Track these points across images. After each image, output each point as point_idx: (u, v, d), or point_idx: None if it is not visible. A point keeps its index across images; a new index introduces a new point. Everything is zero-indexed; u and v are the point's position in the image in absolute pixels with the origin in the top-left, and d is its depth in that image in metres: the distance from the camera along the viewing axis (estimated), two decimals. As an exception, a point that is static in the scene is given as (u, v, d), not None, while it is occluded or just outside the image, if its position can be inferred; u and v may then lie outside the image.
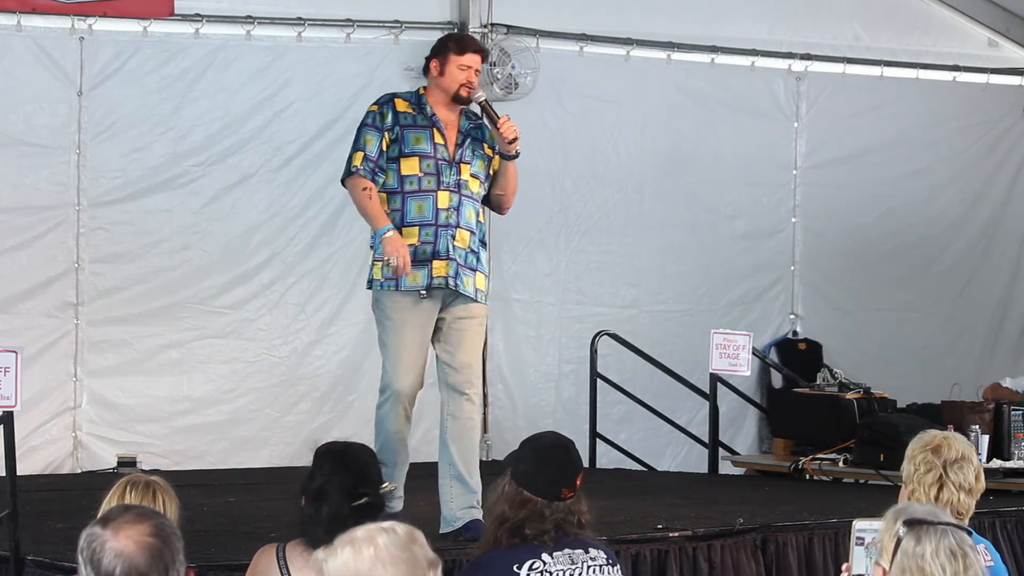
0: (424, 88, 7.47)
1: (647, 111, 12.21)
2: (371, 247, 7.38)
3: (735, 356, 10.06)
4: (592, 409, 11.02)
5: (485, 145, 7.41)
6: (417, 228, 7.20)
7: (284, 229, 11.04)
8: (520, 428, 10.78)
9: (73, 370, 10.47)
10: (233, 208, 10.88)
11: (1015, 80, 13.44)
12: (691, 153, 12.33)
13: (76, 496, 8.43)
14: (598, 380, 11.03)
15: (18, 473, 6.83)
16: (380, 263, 7.21)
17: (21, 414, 6.88)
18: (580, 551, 4.92)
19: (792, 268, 12.78)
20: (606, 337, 11.11)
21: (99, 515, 3.49)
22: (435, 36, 11.41)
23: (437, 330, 7.33)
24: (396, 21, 11.32)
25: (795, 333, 12.74)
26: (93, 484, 7.46)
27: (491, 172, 7.44)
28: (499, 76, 11.20)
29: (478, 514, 7.08)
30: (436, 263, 7.19)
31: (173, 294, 10.74)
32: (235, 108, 10.91)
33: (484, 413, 11.50)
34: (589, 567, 4.90)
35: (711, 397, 10.46)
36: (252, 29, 10.88)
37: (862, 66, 12.88)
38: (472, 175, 7.33)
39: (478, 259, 7.35)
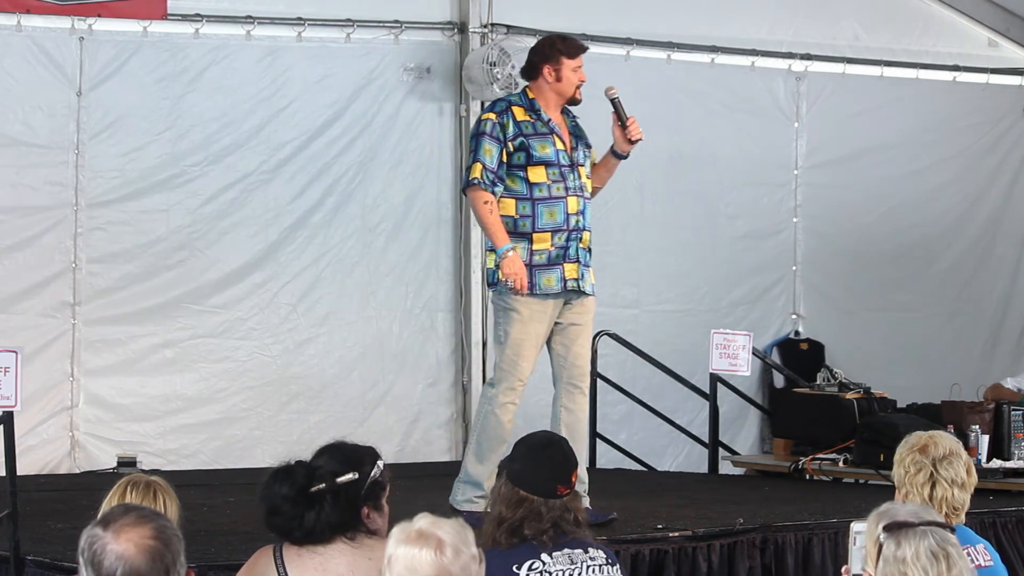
0: (531, 91, 7.59)
1: (647, 111, 12.14)
2: (491, 250, 7.44)
3: (735, 356, 10.04)
4: (592, 409, 10.98)
5: (585, 142, 7.65)
6: (550, 234, 7.38)
7: (279, 229, 11.02)
8: (520, 428, 10.62)
9: (70, 370, 10.46)
10: (230, 208, 10.87)
11: (1015, 80, 13.44)
12: (691, 153, 12.31)
13: (76, 496, 8.42)
14: (598, 380, 11.00)
15: (17, 473, 6.83)
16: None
17: (18, 414, 6.86)
18: (579, 551, 4.90)
19: (793, 268, 12.77)
20: (606, 337, 11.08)
21: (99, 515, 3.47)
22: (435, 36, 11.50)
23: (555, 326, 7.50)
24: (396, 21, 11.32)
25: (797, 333, 12.73)
26: (93, 484, 7.46)
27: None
28: (499, 76, 11.16)
29: (586, 501, 7.16)
30: (567, 266, 7.40)
31: (168, 293, 10.73)
32: (234, 108, 10.89)
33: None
34: (589, 567, 4.89)
35: (711, 397, 10.44)
36: (252, 29, 10.86)
37: (862, 66, 12.88)
38: (587, 176, 7.57)
39: (589, 254, 7.54)
